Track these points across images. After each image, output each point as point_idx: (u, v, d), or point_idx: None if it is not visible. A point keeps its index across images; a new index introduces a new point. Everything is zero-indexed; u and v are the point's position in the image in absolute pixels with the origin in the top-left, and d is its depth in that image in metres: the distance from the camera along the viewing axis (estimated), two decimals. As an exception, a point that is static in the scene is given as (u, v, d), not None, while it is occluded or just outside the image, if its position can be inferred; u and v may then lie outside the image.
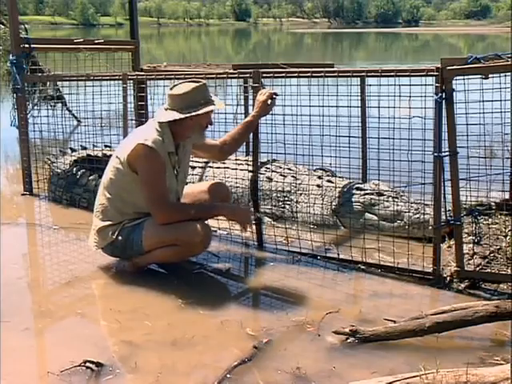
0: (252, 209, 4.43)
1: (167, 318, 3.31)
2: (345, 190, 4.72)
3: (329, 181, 4.83)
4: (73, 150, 5.72)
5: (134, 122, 5.29)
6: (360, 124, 4.86)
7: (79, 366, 2.76)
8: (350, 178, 4.71)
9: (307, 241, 4.22)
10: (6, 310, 3.37)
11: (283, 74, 4.27)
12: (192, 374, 2.77)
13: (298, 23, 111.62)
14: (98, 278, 3.90)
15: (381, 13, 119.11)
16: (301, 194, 4.84)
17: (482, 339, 3.02)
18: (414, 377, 2.44)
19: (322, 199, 4.72)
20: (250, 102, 4.61)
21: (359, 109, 4.85)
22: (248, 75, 4.41)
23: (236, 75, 4.64)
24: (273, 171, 4.99)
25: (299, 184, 4.89)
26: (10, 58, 5.72)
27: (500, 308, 2.96)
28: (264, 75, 4.28)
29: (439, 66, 3.56)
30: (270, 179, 4.93)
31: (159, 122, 3.79)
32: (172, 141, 3.82)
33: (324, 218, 4.65)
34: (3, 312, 3.35)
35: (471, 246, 3.89)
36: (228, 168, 5.08)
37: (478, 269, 3.68)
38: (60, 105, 7.88)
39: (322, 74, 4.08)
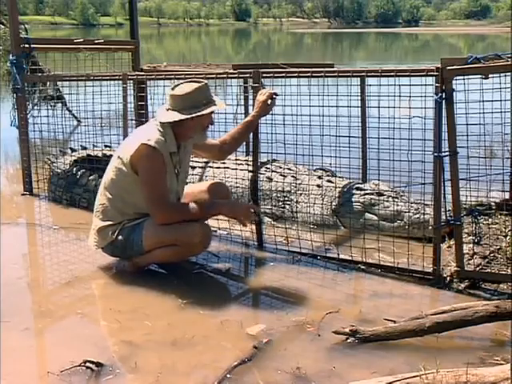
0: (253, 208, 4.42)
1: (167, 317, 3.31)
2: (345, 190, 4.71)
3: (329, 181, 4.83)
4: (73, 150, 5.72)
5: (134, 122, 5.29)
6: (360, 124, 4.87)
7: (79, 366, 2.76)
8: (350, 178, 4.71)
9: (307, 241, 4.22)
10: (6, 310, 3.37)
11: (283, 74, 4.27)
12: (192, 374, 2.77)
13: (297, 23, 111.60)
14: (97, 278, 3.90)
15: (381, 13, 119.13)
16: (301, 194, 4.84)
17: (482, 339, 3.02)
18: (414, 377, 2.44)
19: (322, 199, 4.72)
20: (250, 101, 4.60)
21: (359, 109, 4.85)
22: (248, 75, 4.41)
23: (236, 75, 4.64)
24: (273, 171, 4.99)
25: (299, 184, 4.89)
26: (10, 58, 5.71)
27: (500, 308, 2.95)
28: (264, 75, 4.27)
29: (439, 66, 3.55)
30: (269, 179, 4.93)
31: (161, 123, 3.79)
32: (174, 141, 3.81)
33: (324, 218, 4.64)
34: (3, 312, 3.34)
35: (471, 245, 3.89)
36: (228, 168, 5.08)
37: (477, 269, 3.68)
38: (60, 105, 7.88)
39: (322, 74, 4.08)
